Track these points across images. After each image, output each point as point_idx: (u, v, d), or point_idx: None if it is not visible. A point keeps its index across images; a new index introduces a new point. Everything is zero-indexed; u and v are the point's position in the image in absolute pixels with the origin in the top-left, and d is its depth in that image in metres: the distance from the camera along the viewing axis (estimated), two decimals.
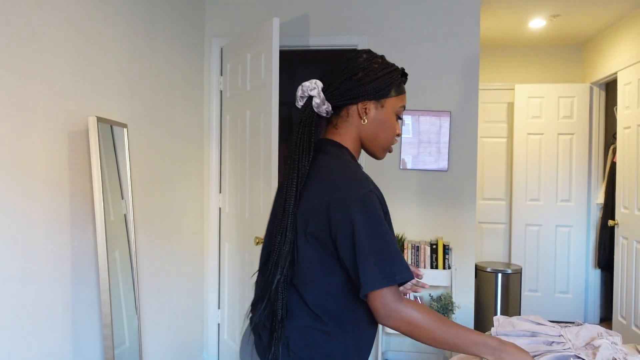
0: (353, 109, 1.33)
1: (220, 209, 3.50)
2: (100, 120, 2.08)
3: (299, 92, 1.33)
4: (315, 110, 1.31)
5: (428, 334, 1.18)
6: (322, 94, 1.31)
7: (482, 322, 3.98)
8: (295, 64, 5.48)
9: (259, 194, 3.00)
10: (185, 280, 3.19)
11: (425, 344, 1.20)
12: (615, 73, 4.11)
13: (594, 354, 1.48)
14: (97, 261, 2.14)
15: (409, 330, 1.18)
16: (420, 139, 3.38)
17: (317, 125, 1.32)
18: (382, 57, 1.35)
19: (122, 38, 2.43)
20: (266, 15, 3.43)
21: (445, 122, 3.36)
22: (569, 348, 1.54)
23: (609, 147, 4.56)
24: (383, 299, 1.17)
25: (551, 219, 4.75)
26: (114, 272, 2.18)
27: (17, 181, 1.75)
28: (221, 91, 3.47)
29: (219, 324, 3.52)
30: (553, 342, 1.57)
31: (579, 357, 1.45)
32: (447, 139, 3.36)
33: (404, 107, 1.35)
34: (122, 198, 2.31)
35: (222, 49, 3.46)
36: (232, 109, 3.35)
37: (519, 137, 4.76)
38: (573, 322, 1.64)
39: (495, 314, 3.95)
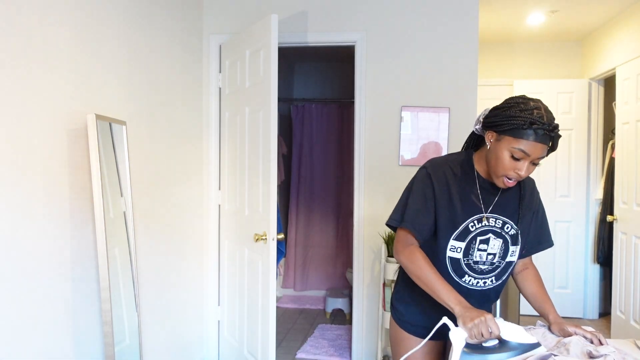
0: (486, 135, 1.62)
1: (219, 205, 3.50)
2: (99, 117, 2.08)
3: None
4: (474, 129, 1.72)
5: (414, 277, 1.63)
6: (481, 120, 1.66)
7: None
8: (294, 61, 5.47)
9: (258, 191, 3.00)
10: (185, 277, 3.19)
11: None
12: (614, 68, 4.11)
13: (567, 350, 1.48)
14: (96, 259, 2.14)
15: (405, 269, 1.68)
16: (419, 135, 3.38)
17: (471, 138, 1.77)
18: (533, 102, 1.54)
19: (120, 36, 2.43)
20: (264, 11, 3.43)
21: (444, 118, 3.36)
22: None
23: (608, 143, 4.56)
24: (395, 237, 1.73)
25: (550, 214, 4.69)
26: (113, 270, 2.18)
27: (16, 179, 1.75)
28: (220, 88, 3.47)
29: (218, 321, 3.53)
30: None
31: (555, 355, 1.45)
32: (446, 135, 3.36)
33: (521, 152, 1.51)
34: (122, 195, 2.32)
35: (220, 45, 3.45)
36: (231, 106, 3.35)
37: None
38: (571, 317, 1.65)
39: (495, 309, 3.96)
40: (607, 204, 4.39)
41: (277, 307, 4.93)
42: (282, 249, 4.20)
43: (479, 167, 1.70)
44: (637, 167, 3.70)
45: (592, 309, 4.73)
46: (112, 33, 2.35)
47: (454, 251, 1.66)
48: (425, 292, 1.61)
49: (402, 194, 1.76)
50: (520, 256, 1.77)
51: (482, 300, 1.74)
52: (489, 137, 1.60)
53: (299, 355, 3.81)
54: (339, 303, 4.78)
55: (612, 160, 4.35)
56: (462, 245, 1.66)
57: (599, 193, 4.62)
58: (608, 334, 4.06)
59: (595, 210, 4.66)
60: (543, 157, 1.54)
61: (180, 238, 3.12)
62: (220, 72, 3.46)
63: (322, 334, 4.23)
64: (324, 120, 5.36)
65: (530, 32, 4.58)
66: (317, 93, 5.50)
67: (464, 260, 1.67)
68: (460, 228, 1.65)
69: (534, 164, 1.55)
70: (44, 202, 1.88)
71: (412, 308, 1.80)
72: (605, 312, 4.73)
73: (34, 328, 1.84)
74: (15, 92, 1.75)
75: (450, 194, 1.66)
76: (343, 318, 4.71)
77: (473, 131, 1.74)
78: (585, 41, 4.77)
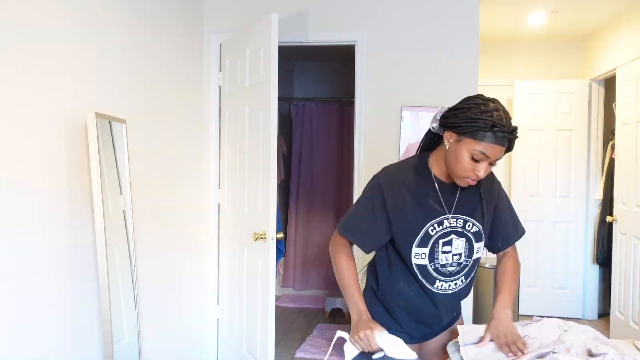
0: (445, 135, 1.59)
1: (219, 204, 3.50)
2: (99, 116, 2.08)
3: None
4: (431, 127, 1.68)
5: (337, 280, 1.75)
6: (438, 119, 1.63)
7: (480, 318, 3.99)
8: (294, 60, 5.47)
9: (258, 190, 3.00)
10: (184, 276, 3.19)
11: None
12: (615, 69, 4.11)
13: (567, 350, 1.47)
14: (96, 257, 2.14)
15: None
16: (419, 135, 3.38)
17: (429, 139, 1.72)
18: (493, 103, 1.53)
19: (120, 34, 2.42)
20: (265, 10, 3.42)
21: None
22: (538, 347, 1.52)
23: (608, 143, 4.56)
24: (333, 235, 1.80)
25: (550, 214, 4.76)
26: (113, 268, 2.18)
27: (15, 177, 1.75)
28: (220, 87, 3.47)
29: (217, 320, 3.53)
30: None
31: (555, 352, 1.45)
32: None
33: (482, 154, 1.51)
34: (121, 194, 2.32)
35: (221, 44, 3.45)
36: (231, 105, 3.35)
37: (518, 133, 4.75)
38: (570, 318, 1.65)
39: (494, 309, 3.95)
40: (607, 205, 4.39)
41: (276, 307, 4.92)
42: (281, 248, 4.20)
43: (437, 169, 1.67)
44: (637, 168, 3.70)
45: (591, 310, 4.73)
46: (112, 31, 2.35)
47: (418, 258, 1.65)
48: (391, 297, 1.71)
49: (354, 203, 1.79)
50: (497, 249, 1.80)
51: (455, 302, 1.77)
52: (448, 138, 1.58)
53: (298, 354, 3.81)
54: (338, 302, 4.78)
55: (612, 160, 4.35)
56: (426, 250, 1.64)
57: (598, 193, 4.62)
58: (607, 335, 4.07)
59: (595, 210, 4.66)
60: (500, 159, 1.55)
61: (180, 237, 3.12)
62: (220, 70, 3.46)
63: (322, 334, 4.23)
64: (324, 120, 5.36)
65: (531, 33, 4.58)
66: (317, 92, 5.50)
67: (430, 266, 1.66)
68: (421, 234, 1.63)
69: (492, 164, 1.56)
70: (43, 200, 1.88)
71: (380, 309, 1.77)
72: (604, 312, 4.73)
73: (33, 326, 1.84)
74: (14, 90, 1.74)
75: (404, 202, 1.64)
76: (342, 317, 4.71)
77: (429, 130, 1.70)
78: (585, 41, 4.77)
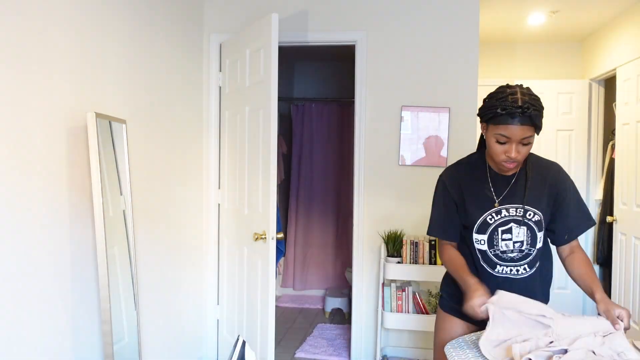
0: (482, 128, 1.76)
1: (219, 204, 3.50)
2: (99, 116, 2.08)
3: None
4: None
5: (449, 271, 1.88)
6: None
7: None
8: (294, 60, 5.47)
9: (258, 190, 3.00)
10: (184, 276, 3.19)
11: None
12: (615, 69, 4.11)
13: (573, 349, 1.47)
14: (96, 257, 2.14)
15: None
16: (419, 135, 3.38)
17: (481, 135, 1.84)
18: (510, 88, 1.65)
19: (121, 34, 2.42)
20: (265, 10, 3.42)
21: (444, 118, 3.36)
22: (551, 343, 1.52)
23: (608, 144, 4.55)
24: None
25: None
26: (113, 268, 2.18)
27: (15, 177, 1.75)
28: (220, 87, 3.47)
29: (218, 320, 3.53)
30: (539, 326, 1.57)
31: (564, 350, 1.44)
32: (446, 135, 3.36)
33: (503, 136, 1.64)
34: (121, 194, 2.32)
35: (221, 44, 3.45)
36: (231, 105, 3.35)
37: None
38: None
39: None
40: (607, 205, 4.39)
41: (276, 307, 4.93)
42: (281, 248, 4.20)
43: (490, 162, 1.81)
44: (637, 168, 3.70)
45: (592, 310, 4.71)
46: (112, 31, 2.35)
47: (478, 243, 1.81)
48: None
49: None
50: (563, 242, 1.83)
51: (526, 294, 1.76)
52: (483, 129, 1.75)
53: (298, 354, 3.81)
54: (338, 302, 4.78)
55: (612, 160, 4.34)
56: (485, 237, 1.78)
57: (598, 194, 4.62)
58: None
59: (595, 210, 4.66)
60: (530, 137, 1.63)
61: (180, 237, 3.12)
62: (220, 71, 3.46)
63: (321, 334, 4.23)
64: (324, 120, 5.35)
65: (531, 33, 4.57)
66: (317, 92, 5.50)
67: (490, 252, 1.79)
68: (479, 222, 1.78)
69: (524, 144, 1.65)
70: (43, 200, 1.88)
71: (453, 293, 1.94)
72: None
73: (33, 326, 1.84)
74: (15, 90, 1.74)
75: (463, 194, 1.83)
76: (342, 317, 4.71)
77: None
78: (585, 42, 4.77)
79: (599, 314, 1.64)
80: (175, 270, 3.07)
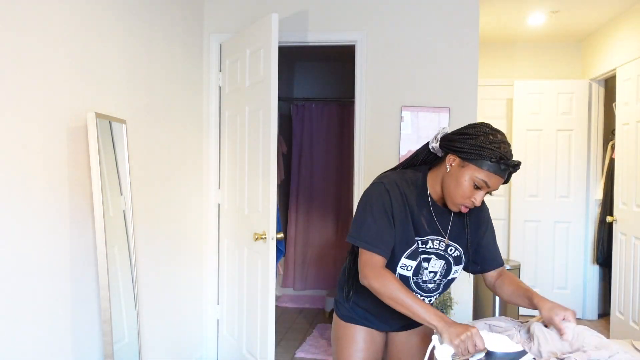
0: (447, 158, 1.59)
1: (219, 204, 3.50)
2: (99, 116, 2.08)
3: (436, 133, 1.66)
4: (430, 147, 1.66)
5: (387, 301, 1.55)
6: (439, 139, 1.63)
7: (480, 318, 3.99)
8: (294, 60, 5.47)
9: (258, 190, 3.01)
10: (184, 276, 3.19)
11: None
12: (615, 69, 4.11)
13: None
14: (96, 257, 2.14)
15: (376, 294, 1.58)
16: (419, 135, 3.38)
17: (424, 155, 1.69)
18: (500, 134, 1.54)
19: (121, 34, 2.42)
20: (265, 11, 3.42)
21: (444, 118, 3.36)
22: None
23: (608, 143, 4.56)
24: (360, 260, 1.62)
25: (550, 215, 4.76)
26: (113, 268, 2.18)
27: (15, 177, 1.75)
28: (220, 87, 3.47)
29: (218, 320, 3.53)
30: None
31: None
32: None
33: (485, 184, 1.52)
34: (121, 194, 2.32)
35: (221, 44, 3.45)
36: (231, 105, 3.35)
37: (518, 133, 4.76)
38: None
39: (494, 309, 3.96)
40: (607, 205, 4.39)
41: (277, 306, 4.93)
42: (281, 248, 4.20)
43: (432, 189, 1.67)
44: (637, 168, 3.70)
45: (592, 310, 4.73)
46: (112, 31, 2.35)
47: (404, 269, 1.66)
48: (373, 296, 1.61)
49: (360, 210, 1.66)
50: (485, 269, 1.79)
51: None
52: (451, 161, 1.58)
53: (298, 354, 3.81)
54: None
55: (612, 160, 4.35)
56: (413, 264, 1.66)
57: (598, 194, 4.62)
58: (607, 335, 4.06)
59: (595, 210, 4.66)
60: (496, 190, 1.56)
61: (180, 237, 3.12)
62: (220, 71, 3.46)
63: (322, 334, 4.23)
64: (324, 120, 5.36)
65: (531, 33, 4.58)
66: (317, 92, 5.50)
67: (413, 279, 1.68)
68: (413, 247, 1.65)
69: (489, 193, 1.57)
70: (43, 200, 1.88)
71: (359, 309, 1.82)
72: (604, 312, 4.73)
73: (33, 326, 1.85)
74: (14, 89, 1.75)
75: (406, 213, 1.63)
76: None
77: (427, 146, 1.68)
78: (585, 42, 4.77)
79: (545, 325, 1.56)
80: (175, 270, 3.07)
